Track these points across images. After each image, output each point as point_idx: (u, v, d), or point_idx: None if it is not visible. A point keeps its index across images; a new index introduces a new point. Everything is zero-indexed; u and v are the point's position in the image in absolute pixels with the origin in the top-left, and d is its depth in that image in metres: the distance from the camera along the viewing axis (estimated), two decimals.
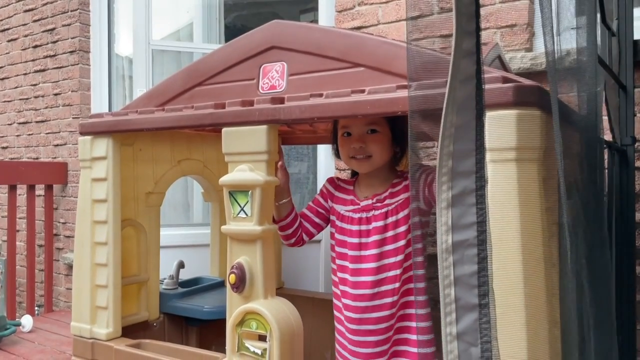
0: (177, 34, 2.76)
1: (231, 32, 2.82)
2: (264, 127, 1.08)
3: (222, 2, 2.75)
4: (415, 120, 0.63)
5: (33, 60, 2.89)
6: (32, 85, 2.91)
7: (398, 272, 1.16)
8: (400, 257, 1.16)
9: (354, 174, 1.34)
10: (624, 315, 1.27)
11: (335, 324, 1.25)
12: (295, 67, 1.15)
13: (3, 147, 3.08)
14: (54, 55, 2.78)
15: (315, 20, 2.45)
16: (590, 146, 0.95)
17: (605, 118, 1.35)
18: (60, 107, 2.76)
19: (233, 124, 1.12)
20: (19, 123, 2.98)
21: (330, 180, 1.36)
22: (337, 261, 1.25)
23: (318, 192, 1.37)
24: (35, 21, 2.88)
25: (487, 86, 0.72)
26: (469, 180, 0.55)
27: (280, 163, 1.18)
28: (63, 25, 2.72)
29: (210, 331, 1.69)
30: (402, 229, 1.17)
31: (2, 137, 3.08)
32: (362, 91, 0.99)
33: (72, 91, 2.69)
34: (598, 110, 0.98)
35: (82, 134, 1.40)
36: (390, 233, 1.17)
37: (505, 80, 0.80)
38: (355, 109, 0.98)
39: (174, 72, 1.38)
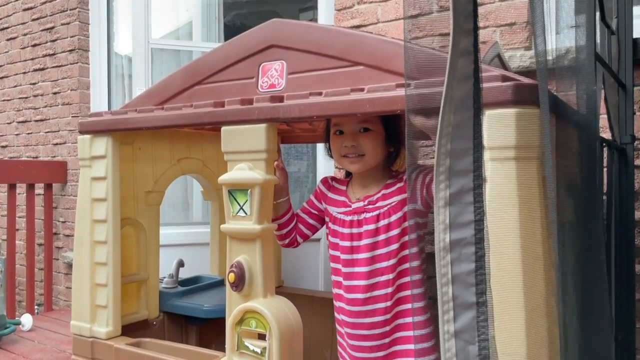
0: (177, 32, 2.76)
1: (230, 30, 2.82)
2: (263, 125, 1.08)
3: (221, 1, 2.75)
4: (413, 119, 0.63)
5: (32, 59, 2.89)
6: (31, 84, 2.91)
7: (391, 276, 1.14)
8: (392, 261, 1.14)
9: (348, 173, 1.31)
10: (623, 314, 1.27)
11: (336, 324, 1.25)
12: (294, 66, 1.15)
13: (2, 146, 3.08)
14: (53, 54, 2.78)
15: (315, 19, 2.45)
16: (589, 144, 0.95)
17: (604, 116, 1.35)
18: (59, 106, 2.76)
19: (232, 122, 1.12)
20: (18, 122, 2.98)
21: (324, 181, 1.33)
22: (332, 264, 1.24)
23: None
24: (34, 20, 2.88)
25: (486, 85, 0.72)
26: (466, 178, 0.55)
27: (276, 162, 1.16)
28: (62, 24, 2.72)
29: (210, 330, 1.69)
30: (395, 232, 1.14)
31: (2, 136, 3.08)
32: (362, 90, 0.99)
33: (71, 90, 2.69)
34: (597, 108, 0.98)
35: (82, 132, 1.40)
36: (382, 237, 1.15)
37: (505, 78, 0.80)
38: (354, 108, 0.98)
39: (173, 70, 1.38)
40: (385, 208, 1.16)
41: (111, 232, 1.35)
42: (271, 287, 1.12)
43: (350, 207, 1.21)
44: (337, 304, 1.23)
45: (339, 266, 1.20)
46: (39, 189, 2.71)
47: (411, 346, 1.14)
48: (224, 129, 1.14)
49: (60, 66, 2.74)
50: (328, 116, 1.08)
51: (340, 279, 1.20)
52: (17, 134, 3.00)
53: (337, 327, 1.24)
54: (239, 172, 1.11)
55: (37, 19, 2.86)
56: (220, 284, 1.73)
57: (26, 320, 2.21)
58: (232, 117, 1.12)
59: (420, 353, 1.11)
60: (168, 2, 2.71)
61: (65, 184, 2.73)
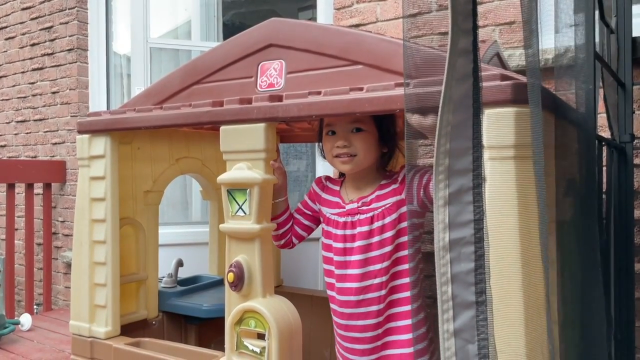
0: (175, 31, 2.75)
1: (229, 29, 2.82)
2: (262, 125, 1.08)
3: (220, 0, 2.75)
4: (410, 119, 0.63)
5: (31, 58, 2.88)
6: (30, 83, 2.90)
7: (384, 279, 1.13)
8: (386, 264, 1.12)
9: (342, 173, 1.29)
10: (622, 313, 1.28)
11: (333, 324, 1.25)
12: (293, 65, 1.15)
13: (1, 146, 3.08)
14: (51, 54, 2.77)
15: (314, 18, 2.45)
16: (587, 143, 0.95)
17: (604, 115, 1.35)
18: (58, 105, 2.75)
19: (231, 121, 1.12)
20: (17, 121, 2.98)
21: (318, 181, 1.32)
22: (324, 265, 1.23)
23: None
24: (32, 19, 2.87)
25: (485, 84, 0.72)
26: (465, 178, 0.55)
27: (272, 162, 1.13)
28: (61, 23, 2.71)
29: (209, 329, 1.69)
30: (389, 234, 1.13)
31: (0, 135, 3.08)
32: (361, 89, 0.99)
33: (70, 89, 2.69)
34: (596, 107, 0.98)
35: (80, 132, 1.40)
36: (375, 239, 1.13)
37: (504, 77, 0.79)
38: (353, 107, 0.98)
39: (172, 70, 1.37)
40: (380, 210, 1.14)
41: (110, 232, 1.35)
42: (270, 287, 1.12)
43: (344, 208, 1.20)
44: (331, 305, 1.22)
45: (332, 268, 1.19)
46: (38, 188, 2.71)
47: (401, 350, 1.13)
48: (222, 128, 1.14)
49: (58, 65, 2.74)
50: (327, 115, 1.08)
51: (333, 280, 1.19)
52: (15, 134, 2.99)
53: (334, 327, 1.23)
54: (237, 171, 1.11)
55: (36, 18, 2.85)
56: (219, 283, 1.73)
57: (25, 320, 2.21)
58: (230, 117, 1.12)
59: (414, 354, 1.10)
60: (167, 2, 2.71)
61: (64, 184, 2.73)
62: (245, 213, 1.10)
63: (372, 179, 1.20)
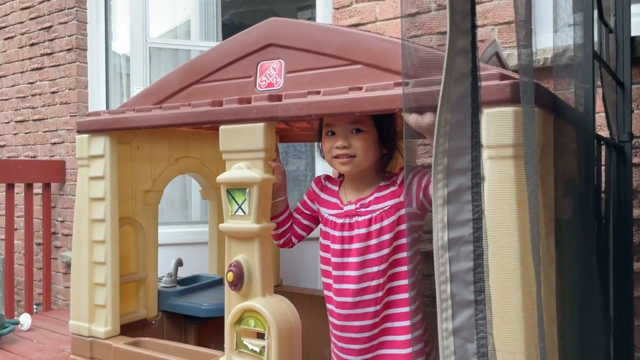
0: (175, 31, 2.75)
1: (228, 29, 2.82)
2: (261, 124, 1.08)
3: (219, 0, 2.75)
4: (407, 119, 0.63)
5: (30, 58, 2.88)
6: (29, 83, 2.90)
7: (381, 281, 1.12)
8: (383, 266, 1.12)
9: (341, 174, 1.28)
10: (622, 312, 1.28)
11: (329, 324, 1.25)
12: (292, 65, 1.15)
13: (0, 146, 3.07)
14: (51, 53, 2.77)
15: (313, 18, 2.45)
16: (586, 142, 0.95)
17: (603, 115, 1.35)
18: (57, 105, 2.75)
19: (230, 121, 1.12)
20: (16, 121, 2.98)
21: (317, 181, 1.31)
22: (322, 266, 1.23)
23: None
24: (31, 19, 2.87)
25: (484, 83, 0.72)
26: (464, 177, 0.55)
27: (270, 162, 1.12)
28: (60, 23, 2.71)
29: (208, 329, 1.69)
30: (387, 237, 1.12)
31: (0, 135, 3.08)
32: (360, 88, 0.99)
33: (69, 89, 2.69)
34: (594, 107, 0.98)
35: (80, 132, 1.40)
36: (373, 241, 1.12)
37: (503, 77, 0.80)
38: (352, 106, 0.98)
39: (171, 70, 1.37)
40: (378, 212, 1.14)
41: (109, 232, 1.35)
42: (270, 286, 1.12)
43: (342, 209, 1.19)
44: (328, 306, 1.22)
45: (330, 268, 1.19)
46: (37, 188, 2.71)
47: (396, 350, 1.13)
48: (222, 128, 1.14)
49: (58, 65, 2.73)
50: (326, 115, 1.08)
51: (330, 281, 1.19)
52: (15, 134, 2.99)
53: (330, 327, 1.23)
54: (237, 171, 1.11)
55: (35, 18, 2.85)
56: (219, 283, 1.73)
57: (25, 319, 2.21)
58: (230, 116, 1.12)
59: (411, 355, 1.10)
60: (166, 1, 2.71)
61: (64, 184, 2.73)
62: (244, 212, 1.10)
63: (370, 181, 1.19)
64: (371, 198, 1.16)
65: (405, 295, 1.13)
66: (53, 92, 2.77)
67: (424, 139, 0.77)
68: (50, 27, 2.77)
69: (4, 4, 3.03)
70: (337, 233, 1.18)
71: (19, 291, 2.78)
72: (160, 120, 1.25)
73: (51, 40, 2.76)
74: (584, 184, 0.93)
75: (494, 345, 0.57)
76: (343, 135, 1.14)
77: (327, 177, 1.32)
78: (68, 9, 2.67)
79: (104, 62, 2.66)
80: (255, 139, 1.09)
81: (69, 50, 2.68)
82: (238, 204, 1.11)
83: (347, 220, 1.17)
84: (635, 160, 1.44)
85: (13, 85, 2.99)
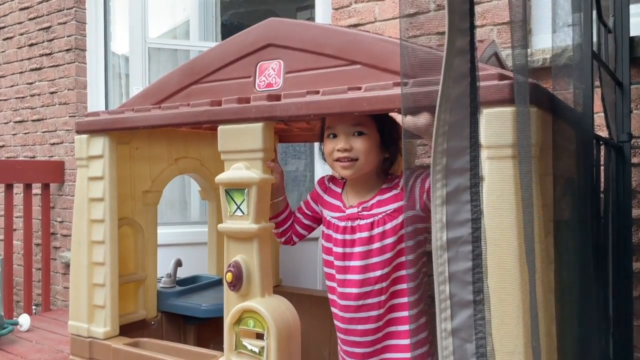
0: (174, 31, 2.75)
1: (228, 29, 2.82)
2: (260, 124, 1.08)
3: (218, 0, 2.74)
4: (404, 120, 0.63)
5: (29, 58, 2.88)
6: (28, 83, 2.90)
7: (384, 284, 1.12)
8: (387, 270, 1.12)
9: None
10: (621, 312, 1.28)
11: (335, 328, 1.24)
12: (291, 65, 1.15)
13: None
14: (49, 54, 2.77)
15: (312, 18, 2.45)
16: (585, 142, 0.95)
17: (602, 115, 1.35)
18: (56, 105, 2.75)
19: (229, 121, 1.12)
20: (15, 122, 2.97)
21: (320, 182, 1.31)
22: (325, 269, 1.22)
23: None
24: (30, 19, 2.87)
25: (483, 83, 0.72)
26: (463, 177, 0.55)
27: (268, 162, 1.12)
28: (59, 24, 2.71)
29: (208, 329, 1.69)
30: (389, 240, 1.12)
31: None
32: (359, 88, 0.99)
33: (68, 89, 2.69)
34: (593, 107, 0.98)
35: (79, 132, 1.39)
36: (376, 245, 1.12)
37: (502, 77, 0.80)
38: (351, 106, 0.98)
39: (170, 70, 1.37)
40: (380, 216, 1.13)
41: (109, 232, 1.35)
42: (269, 287, 1.12)
43: (344, 212, 1.19)
44: (332, 309, 1.22)
45: (333, 271, 1.19)
46: (37, 189, 2.70)
47: (400, 354, 1.13)
48: (220, 128, 1.14)
49: (57, 66, 2.73)
50: (325, 115, 1.08)
51: (334, 284, 1.19)
52: (14, 134, 2.99)
53: (336, 330, 1.23)
54: (235, 171, 1.11)
55: (34, 18, 2.85)
56: (218, 283, 1.73)
57: (24, 320, 2.21)
58: (229, 116, 1.12)
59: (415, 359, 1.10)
60: (165, 1, 2.71)
61: (63, 184, 2.73)
62: (243, 213, 1.10)
63: (372, 184, 1.19)
64: (373, 201, 1.16)
65: (409, 299, 1.13)
66: (52, 93, 2.76)
67: (420, 139, 0.77)
68: (49, 27, 2.76)
69: (2, 4, 3.02)
70: (339, 236, 1.18)
71: (18, 292, 2.78)
72: (160, 120, 1.25)
73: (50, 40, 2.76)
74: (583, 184, 0.93)
75: (492, 346, 0.57)
76: (344, 137, 1.14)
77: (331, 178, 1.31)
78: (67, 9, 2.67)
79: (103, 62, 2.65)
80: (254, 139, 1.09)
81: (68, 50, 2.67)
82: (237, 205, 1.11)
83: (349, 224, 1.17)
84: (634, 160, 1.44)
85: (12, 86, 2.98)
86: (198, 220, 2.54)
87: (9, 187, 2.51)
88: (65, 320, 1.70)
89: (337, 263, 1.17)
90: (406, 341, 1.13)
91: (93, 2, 2.64)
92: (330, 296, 1.21)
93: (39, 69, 2.83)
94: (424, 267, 1.17)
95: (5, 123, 3.03)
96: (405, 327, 1.13)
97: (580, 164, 0.94)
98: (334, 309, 1.20)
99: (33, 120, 2.88)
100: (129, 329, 1.44)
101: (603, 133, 1.39)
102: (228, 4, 3.10)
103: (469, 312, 0.56)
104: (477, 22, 1.68)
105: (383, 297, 1.13)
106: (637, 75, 1.47)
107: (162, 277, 1.66)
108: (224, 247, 1.15)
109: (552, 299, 0.83)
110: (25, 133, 2.92)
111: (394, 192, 1.16)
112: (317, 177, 2.14)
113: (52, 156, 2.78)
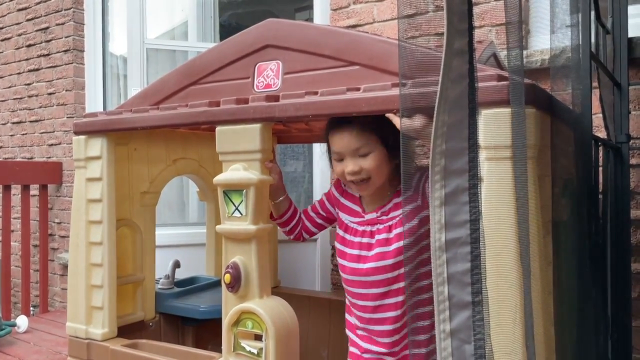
0: (172, 32, 2.75)
1: (226, 30, 2.82)
2: (258, 125, 1.08)
3: (216, 1, 2.74)
4: (408, 119, 0.63)
5: (27, 59, 2.88)
6: (25, 84, 2.89)
7: (402, 284, 1.13)
8: (403, 270, 1.11)
9: None
10: (619, 313, 1.28)
11: (351, 328, 1.25)
12: (290, 66, 1.15)
13: None
14: (47, 55, 2.76)
15: (311, 19, 2.45)
16: (583, 144, 0.95)
17: (600, 116, 1.35)
18: (54, 106, 2.75)
19: (228, 122, 1.12)
20: (13, 123, 2.97)
21: (337, 185, 1.31)
22: (342, 274, 1.22)
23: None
24: (28, 20, 2.86)
25: (481, 84, 0.72)
26: (462, 178, 0.55)
27: (265, 163, 1.12)
28: (57, 24, 2.71)
29: (206, 331, 1.68)
30: (407, 241, 1.11)
31: None
32: (358, 89, 0.99)
33: (66, 90, 2.68)
34: (591, 108, 0.98)
35: (77, 133, 1.39)
36: (393, 246, 1.14)
37: (500, 78, 0.79)
38: (350, 107, 0.98)
39: (168, 71, 1.37)
40: (398, 218, 1.15)
41: (107, 233, 1.35)
42: (267, 288, 1.12)
43: (364, 217, 1.21)
44: (347, 317, 1.24)
45: (348, 277, 1.20)
46: (34, 190, 2.70)
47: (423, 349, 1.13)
48: (218, 129, 1.13)
49: (55, 67, 2.73)
50: (324, 115, 1.08)
51: (350, 288, 1.20)
52: (11, 135, 2.98)
53: (352, 329, 1.24)
54: (233, 172, 1.11)
55: (32, 19, 2.84)
56: (216, 284, 1.73)
57: (22, 321, 2.20)
58: (227, 117, 1.12)
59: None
60: (163, 2, 2.70)
61: (61, 185, 2.72)
62: (241, 214, 1.10)
63: (388, 188, 1.20)
64: (390, 205, 1.18)
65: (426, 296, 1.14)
66: (50, 94, 2.76)
67: (419, 139, 0.77)
68: (47, 28, 2.76)
69: (0, 5, 3.02)
70: (356, 239, 1.19)
71: (16, 293, 2.77)
72: (158, 121, 1.24)
73: (48, 41, 2.75)
74: (582, 185, 0.93)
75: (491, 347, 0.57)
76: (351, 159, 1.13)
77: None
78: (65, 10, 2.67)
79: (101, 63, 2.65)
80: (252, 140, 1.09)
81: (66, 51, 2.67)
82: (235, 206, 1.10)
83: (368, 228, 1.19)
84: (632, 161, 1.44)
85: (10, 87, 2.98)
86: (196, 222, 2.53)
87: (6, 189, 2.50)
88: (63, 322, 1.69)
89: (352, 265, 1.19)
90: (425, 337, 1.13)
91: (91, 3, 2.64)
92: (349, 299, 1.22)
93: (37, 69, 2.82)
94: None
95: (3, 124, 3.02)
96: (425, 323, 1.14)
97: (578, 165, 0.94)
98: (348, 317, 1.22)
99: (31, 121, 2.87)
100: (127, 331, 1.43)
101: (601, 134, 1.39)
102: (226, 5, 3.10)
103: (468, 313, 0.56)
104: (476, 23, 1.68)
105: (401, 298, 1.14)
106: (635, 76, 1.47)
107: (160, 279, 1.66)
108: (222, 248, 1.14)
109: (550, 299, 0.83)
110: (23, 134, 2.92)
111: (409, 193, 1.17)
112: (315, 177, 2.14)
113: (50, 157, 2.77)
